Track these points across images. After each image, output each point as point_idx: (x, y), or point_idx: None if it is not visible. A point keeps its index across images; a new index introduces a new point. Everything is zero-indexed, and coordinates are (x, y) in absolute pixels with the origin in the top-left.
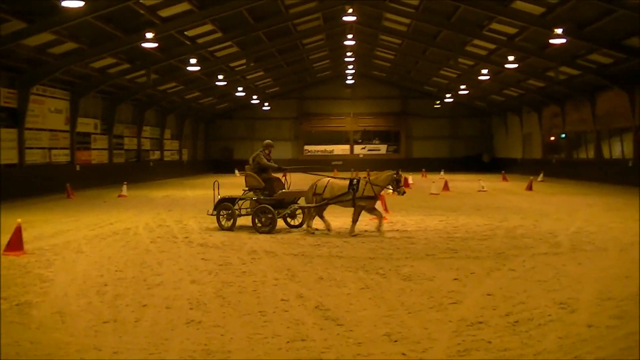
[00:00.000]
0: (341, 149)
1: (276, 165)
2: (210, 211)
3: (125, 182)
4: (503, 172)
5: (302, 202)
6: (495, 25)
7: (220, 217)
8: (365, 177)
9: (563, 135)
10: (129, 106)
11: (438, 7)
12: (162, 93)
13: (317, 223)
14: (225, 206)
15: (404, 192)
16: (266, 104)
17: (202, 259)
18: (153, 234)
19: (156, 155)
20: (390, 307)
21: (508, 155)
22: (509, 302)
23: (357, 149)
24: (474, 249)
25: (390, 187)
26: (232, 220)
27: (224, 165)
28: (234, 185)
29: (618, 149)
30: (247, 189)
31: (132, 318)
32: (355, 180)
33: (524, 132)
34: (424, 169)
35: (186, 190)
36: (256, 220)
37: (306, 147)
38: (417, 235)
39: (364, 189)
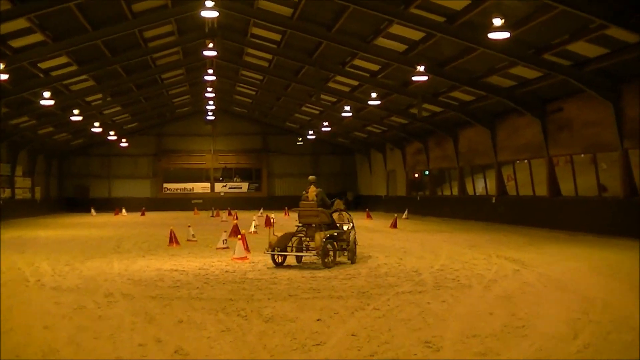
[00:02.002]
0: (201, 187)
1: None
2: (268, 249)
3: None
4: (367, 209)
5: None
6: (358, 62)
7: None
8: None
9: (427, 172)
10: None
11: (300, 44)
12: (13, 128)
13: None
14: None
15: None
16: (124, 140)
17: (55, 303)
18: (3, 277)
19: (7, 193)
20: (252, 350)
21: (372, 192)
22: (374, 342)
23: (218, 187)
24: (337, 289)
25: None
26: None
27: (79, 204)
28: (93, 225)
29: (481, 185)
30: (300, 224)
31: None
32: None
33: (387, 169)
34: (286, 207)
35: (39, 230)
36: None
37: (165, 185)
38: (280, 275)
39: None
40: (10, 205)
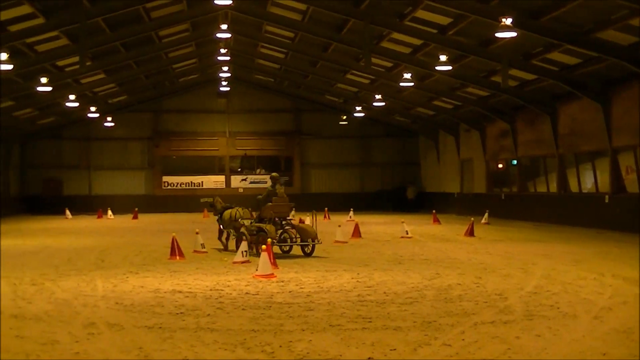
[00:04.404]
0: (213, 181)
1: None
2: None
3: None
4: (434, 211)
5: None
6: (421, 13)
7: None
8: None
9: (514, 162)
10: None
11: None
12: None
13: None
14: None
15: None
16: (109, 118)
17: (17, 336)
18: None
19: None
20: None
21: (441, 188)
22: None
23: (236, 180)
24: (394, 317)
25: None
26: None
27: (48, 204)
28: (69, 231)
29: (589, 179)
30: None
31: None
32: None
33: (461, 157)
34: (326, 208)
35: None
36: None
37: (165, 178)
38: (317, 299)
39: None
40: None
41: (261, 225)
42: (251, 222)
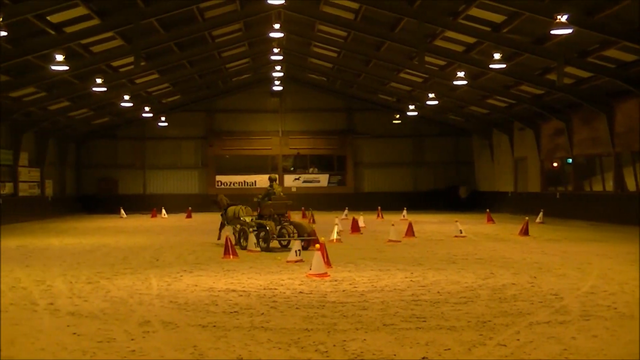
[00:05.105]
0: (266, 181)
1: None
2: None
3: None
4: (488, 210)
5: None
6: (475, 11)
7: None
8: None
9: (570, 161)
10: None
11: None
12: (14, 102)
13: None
14: None
15: None
16: (162, 118)
17: (74, 333)
18: (2, 299)
19: (7, 188)
20: None
21: (494, 187)
22: None
23: (289, 180)
24: (448, 316)
25: None
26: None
27: (104, 203)
28: (123, 230)
29: None
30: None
31: None
32: None
33: (515, 156)
34: (379, 207)
35: (51, 237)
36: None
37: (218, 177)
38: (371, 298)
39: None
40: (12, 204)
41: (262, 221)
42: (252, 219)
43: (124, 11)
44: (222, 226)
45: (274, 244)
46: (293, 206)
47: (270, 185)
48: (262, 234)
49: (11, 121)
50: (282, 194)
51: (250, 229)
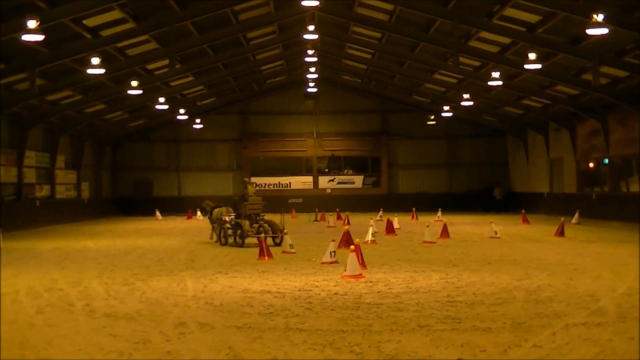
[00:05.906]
0: (301, 182)
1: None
2: None
3: None
4: (523, 211)
5: None
6: (509, 11)
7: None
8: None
9: (606, 161)
10: (4, 123)
11: None
12: (51, 105)
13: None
14: None
15: None
16: (197, 120)
17: (110, 334)
18: (39, 301)
19: (44, 191)
20: None
21: (530, 188)
22: None
23: (323, 181)
24: (483, 317)
25: None
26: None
27: (139, 205)
28: (159, 232)
29: None
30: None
31: None
32: None
33: (551, 156)
34: (414, 209)
35: (86, 239)
36: None
37: (253, 179)
38: (406, 299)
39: None
40: (49, 206)
41: (239, 220)
42: (231, 219)
43: (159, 14)
44: (213, 228)
45: (250, 240)
46: (328, 207)
47: (245, 187)
48: (238, 231)
49: (48, 124)
50: (254, 195)
51: (227, 226)
